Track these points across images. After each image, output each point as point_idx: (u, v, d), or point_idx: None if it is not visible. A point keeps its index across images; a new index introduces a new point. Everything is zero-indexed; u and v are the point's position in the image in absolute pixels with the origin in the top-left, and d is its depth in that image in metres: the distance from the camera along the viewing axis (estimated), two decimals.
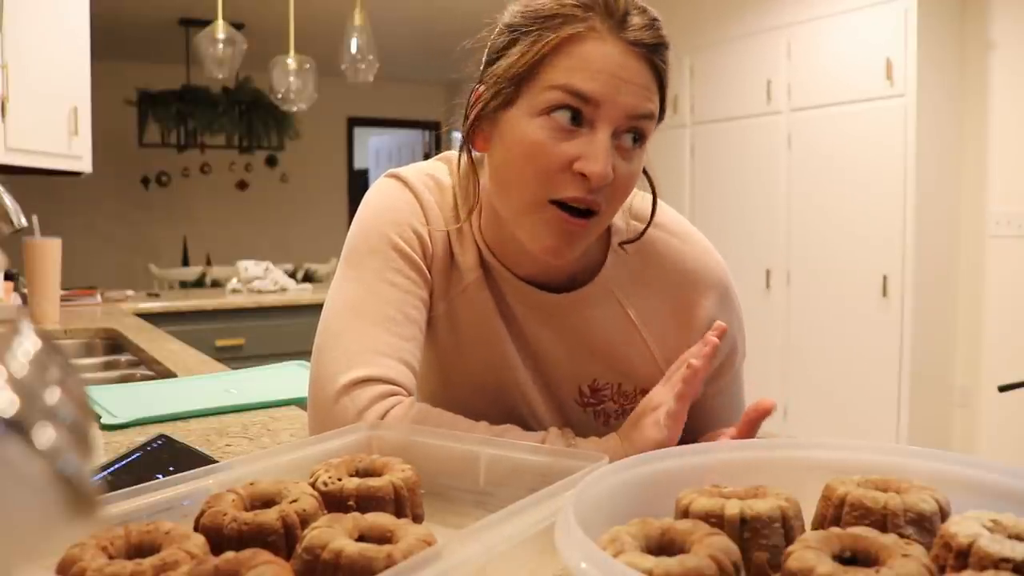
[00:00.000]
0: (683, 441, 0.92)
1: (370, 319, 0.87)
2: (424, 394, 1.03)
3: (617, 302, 0.93)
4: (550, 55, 0.79)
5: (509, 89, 0.81)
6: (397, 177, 0.95)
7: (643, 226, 0.92)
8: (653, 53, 0.79)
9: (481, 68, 0.86)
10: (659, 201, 0.94)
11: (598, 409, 0.96)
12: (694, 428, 0.98)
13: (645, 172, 0.88)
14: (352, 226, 0.95)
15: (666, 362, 0.93)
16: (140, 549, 0.52)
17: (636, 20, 0.79)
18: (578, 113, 0.78)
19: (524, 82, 0.80)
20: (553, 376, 0.95)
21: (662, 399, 0.84)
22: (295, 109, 3.89)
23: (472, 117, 0.85)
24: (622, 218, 0.93)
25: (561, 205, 0.80)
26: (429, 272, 0.93)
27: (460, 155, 0.91)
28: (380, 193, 0.95)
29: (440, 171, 0.96)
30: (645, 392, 0.94)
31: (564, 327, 0.93)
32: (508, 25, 0.83)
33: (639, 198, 0.94)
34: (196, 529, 0.56)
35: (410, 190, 0.94)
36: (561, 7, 0.79)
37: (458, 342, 0.96)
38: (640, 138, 0.81)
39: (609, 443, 0.84)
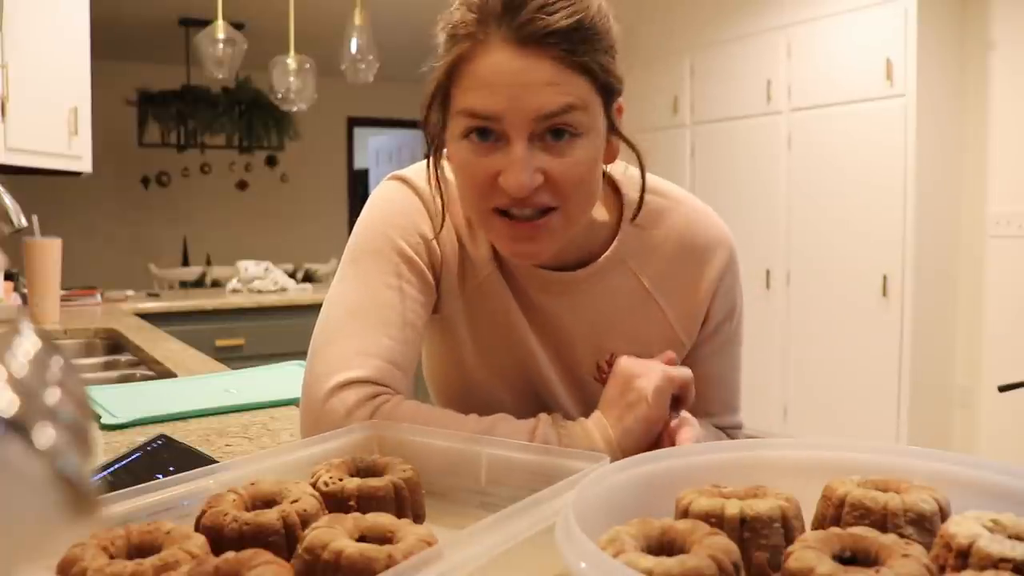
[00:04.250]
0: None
1: (366, 321, 0.87)
2: (443, 393, 1.04)
3: (630, 271, 0.94)
4: (453, 79, 0.80)
5: (437, 115, 0.83)
6: (401, 179, 0.95)
7: (653, 197, 0.94)
8: (552, 43, 0.75)
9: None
10: (657, 178, 0.96)
11: None
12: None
13: (632, 146, 0.86)
14: (355, 228, 0.95)
15: (681, 326, 0.96)
16: (141, 549, 0.52)
17: (528, 11, 0.75)
18: (488, 130, 0.78)
19: (443, 108, 0.82)
20: (572, 355, 0.96)
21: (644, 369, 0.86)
22: (295, 109, 3.89)
23: (431, 138, 0.86)
24: (635, 193, 0.93)
25: (505, 212, 0.80)
26: (439, 275, 0.93)
27: (428, 172, 0.90)
28: (384, 196, 0.95)
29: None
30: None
31: (581, 303, 0.94)
32: (437, 44, 0.83)
33: (633, 172, 0.95)
34: (197, 529, 0.56)
35: (415, 192, 0.93)
36: (457, 25, 0.79)
37: (478, 337, 0.96)
38: (569, 132, 0.78)
39: (598, 425, 0.83)
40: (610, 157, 0.87)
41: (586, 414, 0.96)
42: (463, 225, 0.94)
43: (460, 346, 0.97)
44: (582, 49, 0.77)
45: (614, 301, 0.94)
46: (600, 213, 0.93)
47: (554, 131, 0.78)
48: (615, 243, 0.93)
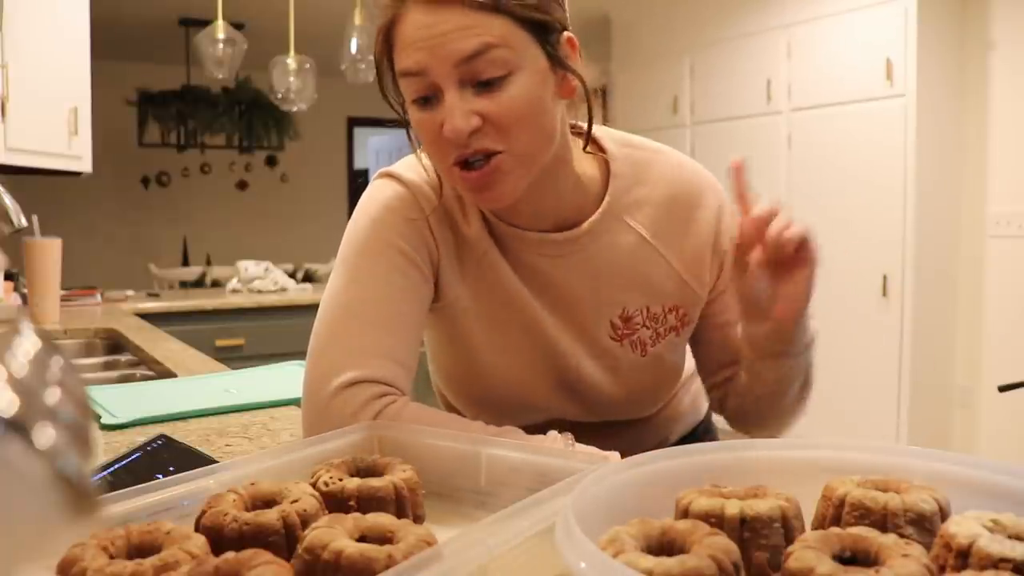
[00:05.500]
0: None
1: (365, 319, 0.88)
2: (455, 383, 1.04)
3: (626, 224, 0.95)
4: (386, 51, 0.84)
5: (392, 90, 0.87)
6: (390, 175, 0.96)
7: (633, 151, 0.97)
8: None
9: None
10: (632, 135, 0.99)
11: (633, 339, 0.98)
12: (728, 321, 1.01)
13: (579, 77, 0.87)
14: (348, 228, 0.96)
15: (687, 271, 0.97)
16: (141, 549, 0.52)
17: None
18: (422, 87, 0.82)
19: (392, 79, 0.86)
20: (583, 318, 0.97)
21: None
22: (295, 109, 3.89)
23: (399, 115, 0.90)
24: (616, 147, 0.96)
25: (462, 165, 0.83)
26: (437, 265, 0.94)
27: (412, 144, 0.93)
28: (376, 194, 0.96)
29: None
30: (674, 310, 0.97)
31: (583, 263, 0.95)
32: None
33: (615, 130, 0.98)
34: (197, 529, 0.56)
35: (405, 186, 0.94)
36: (378, 2, 0.84)
37: (486, 318, 0.96)
38: (496, 75, 0.80)
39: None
40: (567, 92, 0.87)
41: (608, 378, 0.98)
42: (455, 207, 0.94)
43: (469, 331, 0.97)
44: None
45: (617, 256, 0.95)
46: (587, 171, 0.94)
47: (480, 74, 0.80)
48: (607, 198, 0.94)
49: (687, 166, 0.99)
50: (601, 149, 0.95)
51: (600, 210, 0.94)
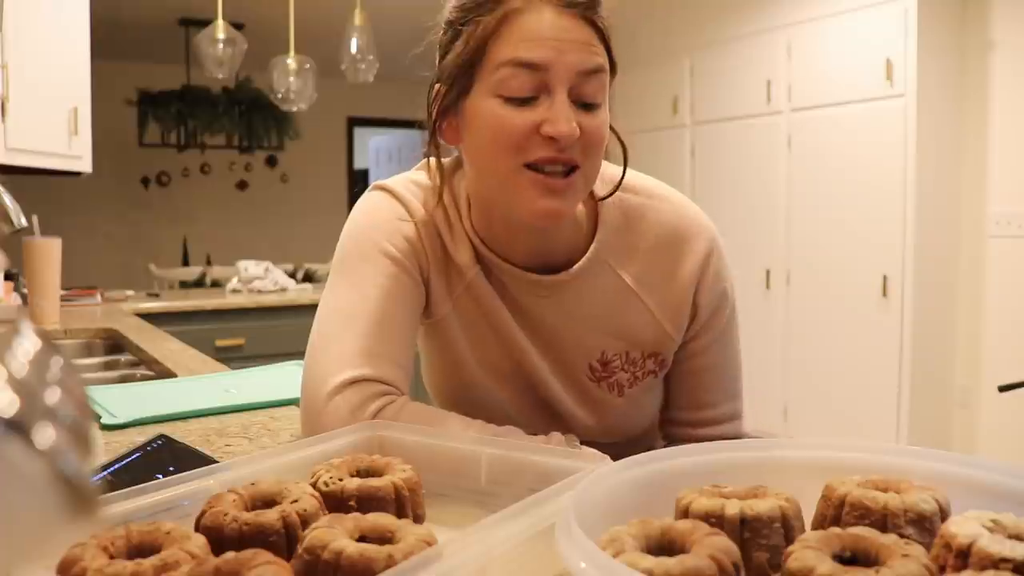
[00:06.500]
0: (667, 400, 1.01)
1: (362, 323, 0.88)
2: (445, 396, 1.05)
3: (612, 271, 0.95)
4: (493, 36, 0.83)
5: (464, 78, 0.85)
6: (383, 188, 0.98)
7: (632, 196, 0.96)
8: (588, 10, 0.83)
9: (437, 66, 0.90)
10: (638, 174, 0.98)
11: (611, 381, 0.98)
12: (679, 391, 1.01)
13: (617, 136, 0.90)
14: (342, 237, 0.97)
15: (667, 319, 0.96)
16: (141, 549, 0.52)
17: None
18: (533, 83, 0.81)
19: (475, 67, 0.84)
20: (563, 356, 0.97)
21: None
22: (295, 109, 3.89)
23: (436, 112, 0.88)
24: (605, 191, 0.96)
25: (536, 168, 0.82)
26: (427, 279, 0.95)
27: (427, 149, 0.93)
28: (368, 205, 0.97)
29: (422, 177, 0.99)
30: (653, 356, 0.97)
31: (566, 305, 0.95)
32: (448, 22, 0.87)
33: (611, 170, 0.97)
34: (197, 529, 0.56)
35: (398, 200, 0.95)
36: None
37: (470, 337, 0.97)
38: (595, 101, 0.83)
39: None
40: None
41: (585, 412, 0.98)
42: (446, 232, 0.95)
43: (456, 349, 0.98)
44: (602, 22, 0.84)
45: (598, 300, 0.95)
46: (583, 212, 0.95)
47: (587, 92, 0.82)
48: (595, 244, 0.94)
49: (680, 212, 0.97)
50: (592, 195, 0.96)
51: (587, 256, 0.94)
